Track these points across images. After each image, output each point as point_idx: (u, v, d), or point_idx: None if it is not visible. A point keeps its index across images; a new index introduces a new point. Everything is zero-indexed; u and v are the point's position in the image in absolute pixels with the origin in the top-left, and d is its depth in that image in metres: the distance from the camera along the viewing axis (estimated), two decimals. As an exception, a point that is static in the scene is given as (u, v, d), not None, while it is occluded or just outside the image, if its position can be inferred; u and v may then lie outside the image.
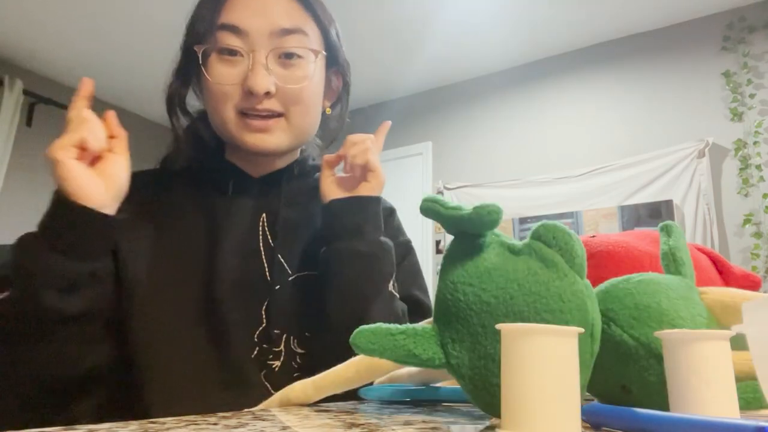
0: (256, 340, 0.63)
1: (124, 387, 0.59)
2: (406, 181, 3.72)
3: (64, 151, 0.54)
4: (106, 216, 0.56)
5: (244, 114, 0.65)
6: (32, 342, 0.53)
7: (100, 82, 3.67)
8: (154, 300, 0.62)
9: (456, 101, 3.71)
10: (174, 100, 0.70)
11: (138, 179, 0.66)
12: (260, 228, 0.69)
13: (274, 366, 0.63)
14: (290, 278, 0.67)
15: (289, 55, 0.66)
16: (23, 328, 0.53)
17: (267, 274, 0.66)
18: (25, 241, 0.54)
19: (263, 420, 0.36)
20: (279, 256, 0.67)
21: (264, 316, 0.64)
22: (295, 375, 0.64)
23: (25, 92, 3.43)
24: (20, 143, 3.39)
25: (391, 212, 0.81)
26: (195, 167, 0.72)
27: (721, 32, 2.89)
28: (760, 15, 2.82)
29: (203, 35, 0.65)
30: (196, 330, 0.61)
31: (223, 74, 0.65)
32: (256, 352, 0.63)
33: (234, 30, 0.64)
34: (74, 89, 0.59)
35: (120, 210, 0.61)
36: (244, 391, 0.60)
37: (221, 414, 0.39)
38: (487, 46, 3.31)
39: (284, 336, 0.65)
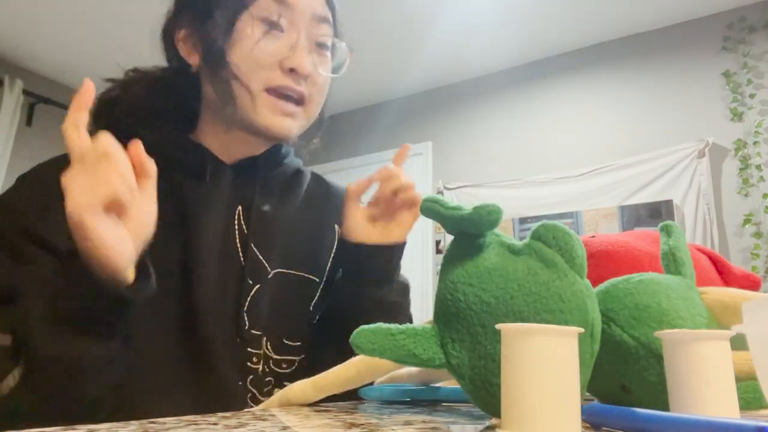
0: (239, 341, 0.60)
1: None
2: (406, 181, 3.71)
3: (91, 211, 0.44)
4: (143, 289, 0.49)
5: (272, 94, 0.62)
6: (56, 416, 0.46)
7: (100, 81, 3.67)
8: None
9: (456, 101, 3.70)
10: (215, 54, 0.62)
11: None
12: (236, 222, 0.65)
13: (258, 370, 0.60)
14: (269, 276, 0.64)
15: (321, 44, 0.66)
16: (48, 410, 0.46)
17: (245, 272, 0.62)
18: (42, 320, 0.45)
19: (263, 420, 0.36)
20: (257, 253, 0.64)
21: (246, 318, 0.61)
22: (266, 380, 0.61)
23: (25, 92, 3.43)
24: (20, 143, 3.39)
25: None
26: (157, 147, 0.62)
27: (721, 32, 2.89)
28: (760, 15, 2.82)
29: (252, 0, 0.61)
30: (173, 334, 0.57)
31: (266, 45, 0.61)
32: (238, 357, 0.60)
33: (284, 3, 0.62)
34: (74, 89, 0.52)
35: None
36: (224, 400, 0.56)
37: (221, 414, 0.39)
38: (487, 46, 3.31)
39: (263, 339, 0.62)
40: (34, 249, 0.53)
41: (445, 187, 3.55)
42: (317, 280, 0.69)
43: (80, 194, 0.44)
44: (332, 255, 0.72)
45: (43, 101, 3.52)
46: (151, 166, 0.50)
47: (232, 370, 0.59)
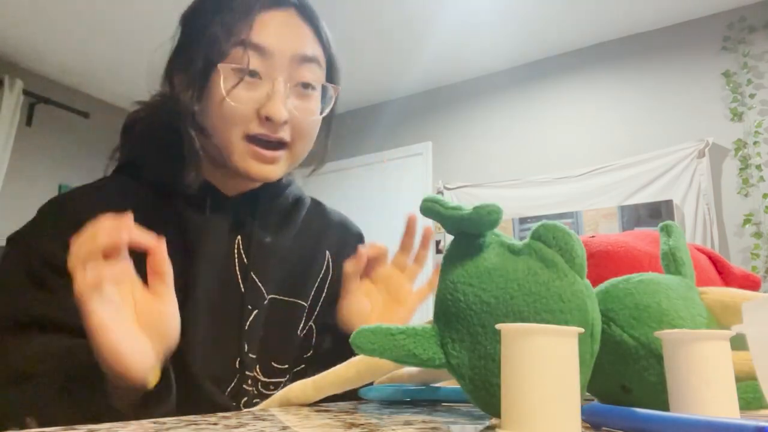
0: (237, 367, 0.61)
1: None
2: (406, 181, 3.71)
3: (96, 299, 0.42)
4: (161, 398, 0.48)
5: (252, 141, 0.62)
6: None
7: (101, 82, 3.67)
8: None
9: (456, 101, 3.70)
10: (188, 115, 0.62)
11: (101, 196, 0.63)
12: (236, 251, 0.66)
13: (251, 392, 0.62)
14: (265, 302, 0.66)
15: (305, 86, 0.64)
16: None
17: (244, 299, 0.64)
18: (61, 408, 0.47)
19: (263, 420, 0.36)
20: (256, 280, 0.65)
21: (245, 343, 0.62)
22: (254, 402, 0.62)
23: (25, 92, 3.43)
24: (20, 143, 3.39)
25: (359, 239, 0.81)
26: (163, 181, 0.65)
27: (721, 32, 2.88)
28: (760, 15, 2.82)
29: (226, 52, 0.60)
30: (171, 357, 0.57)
31: (240, 95, 0.60)
32: (236, 380, 0.61)
33: (261, 51, 0.61)
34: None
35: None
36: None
37: (221, 414, 0.39)
38: (487, 46, 3.31)
39: (255, 362, 0.63)
40: (56, 279, 0.54)
41: (445, 187, 3.55)
42: (304, 304, 0.70)
43: (80, 280, 0.42)
44: (318, 279, 0.73)
45: (43, 101, 3.52)
46: (168, 269, 0.49)
47: (227, 393, 0.60)
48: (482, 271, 0.38)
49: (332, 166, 3.89)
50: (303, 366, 0.68)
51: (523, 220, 3.19)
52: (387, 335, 0.37)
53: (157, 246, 0.48)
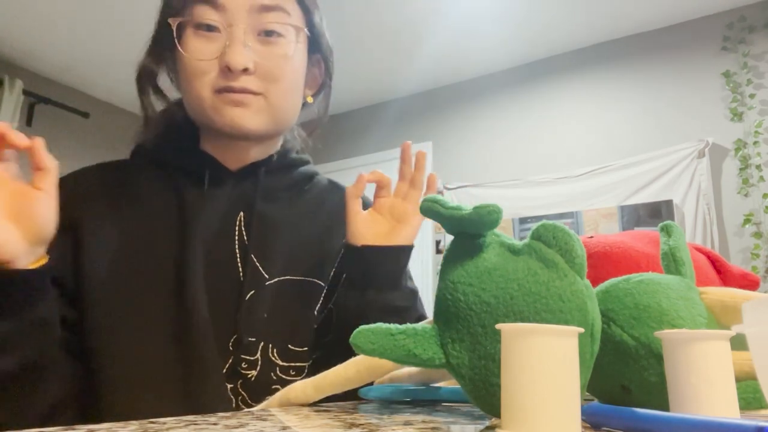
0: (230, 348, 0.60)
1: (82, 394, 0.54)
2: (406, 181, 3.71)
3: None
4: (27, 273, 0.49)
5: (220, 93, 0.62)
6: None
7: (100, 81, 3.67)
8: (118, 305, 0.57)
9: (456, 101, 3.70)
10: (143, 78, 0.67)
11: (103, 172, 0.65)
12: (237, 228, 0.65)
13: (249, 375, 0.59)
14: (267, 283, 0.63)
15: (268, 33, 0.63)
16: None
17: (241, 278, 0.62)
18: None
19: (263, 420, 0.36)
20: (254, 258, 0.64)
21: (239, 324, 0.60)
22: (273, 387, 0.60)
23: (25, 92, 3.43)
24: (20, 143, 3.39)
25: None
26: (166, 157, 0.67)
27: (721, 32, 2.89)
28: (760, 15, 2.82)
29: (179, 9, 0.62)
30: (164, 338, 0.57)
31: (199, 49, 0.62)
32: (230, 361, 0.59)
33: (211, 3, 0.61)
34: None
35: (84, 209, 0.59)
36: (208, 402, 0.56)
37: (221, 414, 0.39)
38: (488, 46, 3.31)
39: (261, 345, 0.61)
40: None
41: (446, 187, 3.55)
42: (321, 284, 0.68)
43: None
44: (338, 260, 0.70)
45: (43, 101, 3.52)
46: (50, 162, 0.50)
47: (219, 374, 0.58)
48: (482, 271, 0.38)
49: (332, 166, 3.89)
50: (322, 352, 0.65)
51: (523, 220, 3.19)
52: (387, 335, 0.37)
53: (37, 144, 0.49)
